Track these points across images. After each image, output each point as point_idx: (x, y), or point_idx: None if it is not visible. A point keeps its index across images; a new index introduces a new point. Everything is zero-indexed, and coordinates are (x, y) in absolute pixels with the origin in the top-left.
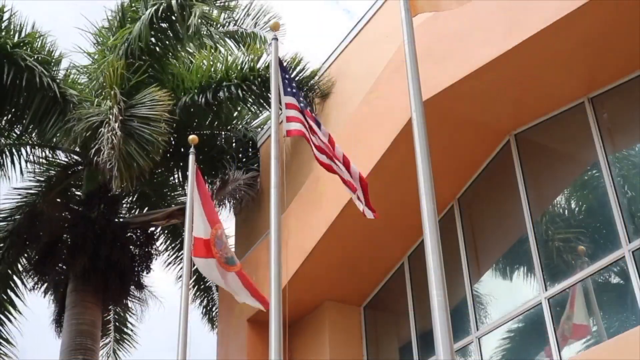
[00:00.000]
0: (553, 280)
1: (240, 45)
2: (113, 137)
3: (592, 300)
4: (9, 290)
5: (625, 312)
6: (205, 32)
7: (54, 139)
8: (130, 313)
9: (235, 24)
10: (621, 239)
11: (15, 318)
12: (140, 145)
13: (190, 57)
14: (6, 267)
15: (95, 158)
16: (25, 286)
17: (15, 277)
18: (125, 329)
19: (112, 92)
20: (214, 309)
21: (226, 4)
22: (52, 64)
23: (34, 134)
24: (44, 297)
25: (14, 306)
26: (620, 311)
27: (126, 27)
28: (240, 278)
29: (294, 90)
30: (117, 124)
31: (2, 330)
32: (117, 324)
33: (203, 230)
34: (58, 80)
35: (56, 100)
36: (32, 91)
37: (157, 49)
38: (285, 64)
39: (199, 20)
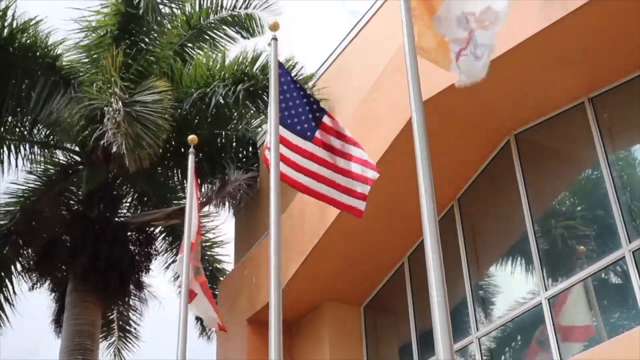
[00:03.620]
0: (553, 280)
1: (240, 32)
2: (116, 116)
3: (592, 300)
4: (7, 290)
5: (625, 312)
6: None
7: (60, 120)
8: (133, 311)
9: (229, 9)
10: (621, 239)
11: (8, 319)
12: (145, 125)
13: (188, 56)
14: (5, 266)
15: (101, 142)
16: (26, 284)
17: (14, 277)
18: (128, 327)
19: (112, 79)
20: None
21: None
22: (49, 49)
23: (40, 116)
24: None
25: (12, 305)
26: (620, 311)
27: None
28: (204, 290)
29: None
30: (120, 103)
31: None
32: (120, 322)
33: (193, 232)
34: (59, 63)
35: (58, 83)
36: (33, 75)
37: (142, 44)
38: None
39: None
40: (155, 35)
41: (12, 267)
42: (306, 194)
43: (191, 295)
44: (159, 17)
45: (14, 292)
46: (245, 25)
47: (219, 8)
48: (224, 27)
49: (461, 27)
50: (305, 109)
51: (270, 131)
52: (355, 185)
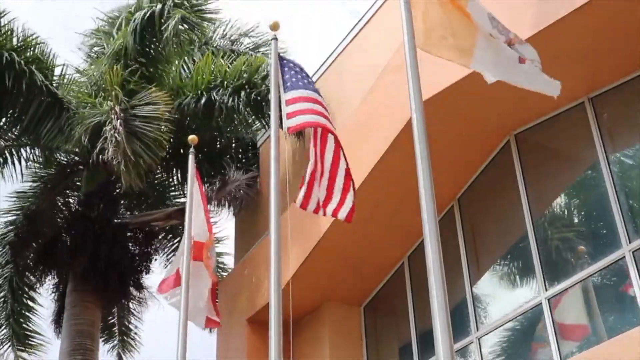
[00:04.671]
0: (553, 280)
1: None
2: (116, 135)
3: (592, 301)
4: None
5: (625, 312)
6: (200, 43)
7: (50, 144)
8: (132, 315)
9: (232, 43)
10: (621, 239)
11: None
12: (144, 142)
13: (190, 61)
14: (7, 267)
15: (100, 156)
16: (26, 286)
17: (15, 278)
18: (128, 332)
19: (114, 93)
20: None
21: (209, 14)
22: (49, 69)
23: (30, 138)
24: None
25: (18, 303)
26: (620, 311)
27: (121, 30)
28: (211, 292)
29: (300, 82)
30: (119, 122)
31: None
32: (122, 328)
33: (204, 233)
34: (55, 85)
35: (53, 106)
36: (29, 96)
37: (152, 51)
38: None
39: (180, 27)
40: (164, 50)
41: (14, 267)
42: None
43: (175, 283)
44: (176, 43)
45: (19, 289)
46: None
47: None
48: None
49: (495, 29)
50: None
51: (271, 131)
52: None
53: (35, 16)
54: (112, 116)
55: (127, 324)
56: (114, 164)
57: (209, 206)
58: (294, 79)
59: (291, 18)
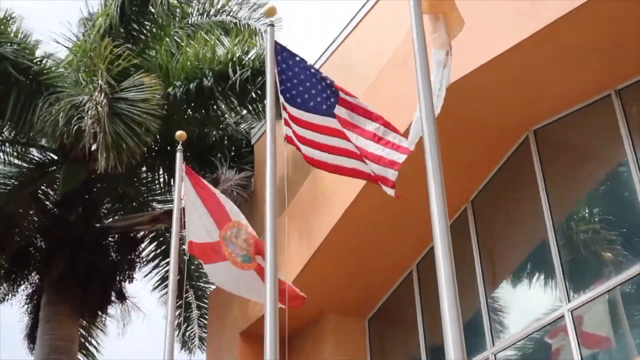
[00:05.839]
0: (577, 291)
1: (232, 36)
2: (98, 108)
3: (620, 313)
4: None
5: None
6: (194, 20)
7: (42, 128)
8: (98, 329)
9: (228, 14)
10: None
11: None
12: (129, 126)
13: (178, 46)
14: None
15: (80, 149)
16: None
17: None
18: (88, 346)
19: (100, 72)
20: (189, 327)
21: None
22: (29, 50)
23: (19, 126)
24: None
25: None
26: None
27: (107, 8)
28: (260, 275)
29: (299, 96)
30: (102, 96)
31: None
32: (85, 342)
33: (207, 233)
34: (37, 68)
35: (37, 89)
36: (8, 83)
37: (139, 35)
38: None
39: None
40: (153, 27)
41: None
42: (329, 170)
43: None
44: (166, 9)
45: None
46: (242, 34)
47: (217, 9)
48: (219, 31)
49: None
50: (317, 86)
51: (266, 126)
52: (386, 153)
53: (35, 16)
54: (96, 92)
55: (89, 338)
56: (90, 132)
57: None
58: (293, 91)
59: (291, 17)
